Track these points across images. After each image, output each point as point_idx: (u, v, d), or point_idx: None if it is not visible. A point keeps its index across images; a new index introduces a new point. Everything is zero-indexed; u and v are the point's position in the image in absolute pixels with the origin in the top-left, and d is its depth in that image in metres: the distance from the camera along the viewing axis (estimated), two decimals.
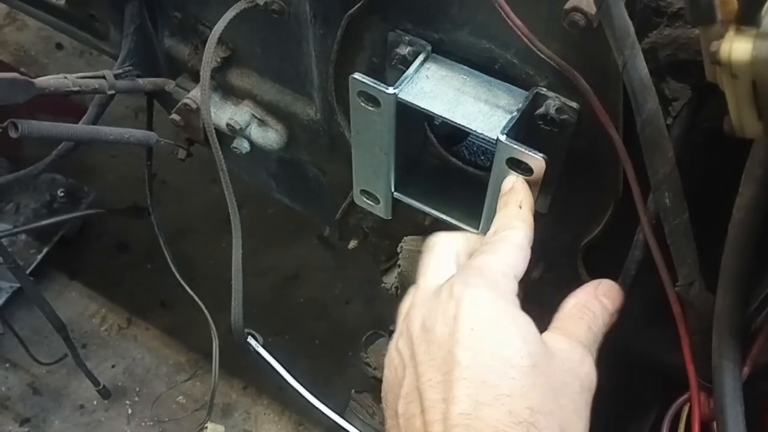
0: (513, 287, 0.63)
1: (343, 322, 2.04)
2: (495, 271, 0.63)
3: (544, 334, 0.63)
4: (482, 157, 0.91)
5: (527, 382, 0.55)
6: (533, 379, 0.55)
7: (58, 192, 2.07)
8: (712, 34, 0.49)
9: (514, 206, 0.70)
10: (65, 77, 0.93)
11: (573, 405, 0.58)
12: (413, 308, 0.63)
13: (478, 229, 0.83)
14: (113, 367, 2.02)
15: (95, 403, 1.97)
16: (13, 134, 0.89)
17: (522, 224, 0.68)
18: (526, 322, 0.59)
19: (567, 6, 0.65)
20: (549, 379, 0.57)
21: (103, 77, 0.98)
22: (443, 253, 0.68)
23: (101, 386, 1.77)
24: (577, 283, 0.87)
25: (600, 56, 0.67)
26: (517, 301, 0.62)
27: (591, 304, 0.68)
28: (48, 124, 0.93)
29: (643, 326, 0.87)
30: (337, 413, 0.98)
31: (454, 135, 0.90)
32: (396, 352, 0.61)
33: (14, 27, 2.60)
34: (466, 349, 0.56)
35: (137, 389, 1.99)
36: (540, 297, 0.96)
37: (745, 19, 0.47)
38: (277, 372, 1.05)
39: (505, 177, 0.74)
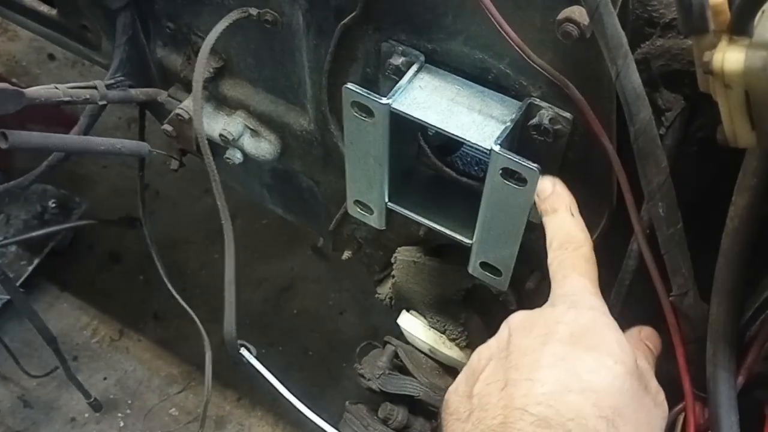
0: (603, 304, 0.65)
1: (337, 333, 2.04)
2: (588, 293, 0.65)
3: None
4: (475, 168, 0.91)
5: (617, 385, 0.57)
6: (622, 384, 0.57)
7: (50, 203, 2.06)
8: (704, 45, 0.50)
9: (567, 213, 0.72)
10: (56, 87, 0.92)
11: (648, 427, 0.59)
12: (514, 315, 0.66)
13: (471, 239, 0.83)
14: (105, 379, 2.00)
15: (86, 415, 1.95)
16: (2, 145, 0.89)
17: (585, 236, 0.70)
18: (622, 337, 0.61)
19: (560, 16, 0.65)
20: (635, 393, 0.58)
21: (95, 87, 0.98)
22: None
23: (92, 399, 1.76)
24: None
25: (593, 67, 0.67)
26: (612, 320, 0.63)
27: (641, 349, 0.69)
28: (38, 135, 0.92)
29: None
30: (330, 425, 0.97)
31: (447, 145, 0.90)
32: (486, 347, 0.64)
33: (6, 37, 2.59)
34: (561, 342, 0.58)
35: (129, 402, 1.97)
36: (536, 307, 0.97)
37: (738, 30, 0.47)
38: (271, 384, 1.04)
39: (498, 187, 0.74)
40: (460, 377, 0.64)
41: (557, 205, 0.72)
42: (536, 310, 0.64)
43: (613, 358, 0.58)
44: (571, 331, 0.59)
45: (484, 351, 0.64)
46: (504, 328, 0.65)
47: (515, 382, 0.57)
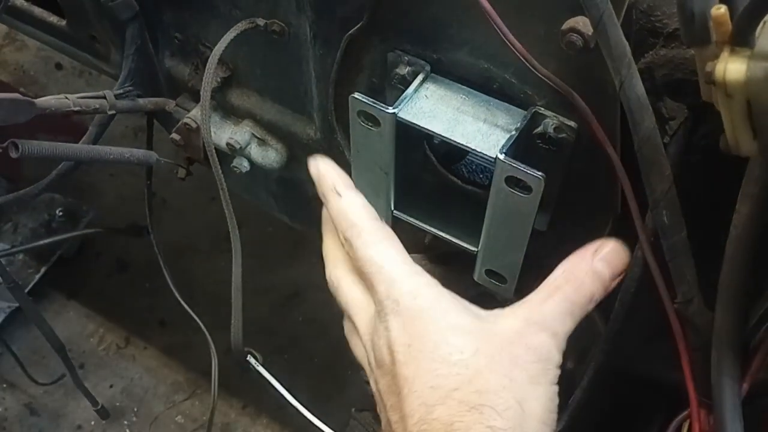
0: (422, 280, 0.64)
1: (343, 341, 2.02)
2: (401, 284, 0.63)
3: (501, 312, 0.64)
4: (480, 176, 0.91)
5: (471, 371, 0.57)
6: (476, 365, 0.57)
7: (57, 211, 2.08)
8: (707, 55, 0.50)
9: (333, 197, 0.72)
10: (66, 97, 0.93)
11: (527, 375, 0.59)
12: (363, 345, 0.67)
13: (477, 246, 0.84)
14: (111, 386, 2.01)
15: (93, 423, 1.96)
16: (13, 154, 0.90)
17: (360, 215, 0.70)
18: (456, 314, 0.61)
19: (564, 27, 0.66)
20: (494, 359, 0.58)
21: (104, 97, 0.99)
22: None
23: (99, 406, 1.77)
24: None
25: (597, 76, 0.68)
26: (439, 293, 0.63)
27: (580, 271, 0.67)
28: (48, 144, 0.93)
29: (642, 343, 0.87)
30: (336, 428, 0.98)
31: (452, 154, 0.90)
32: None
33: (14, 47, 2.61)
34: (405, 364, 0.58)
35: (135, 409, 1.98)
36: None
37: (740, 40, 0.48)
38: (277, 391, 1.05)
39: (503, 195, 0.75)
40: None
41: (323, 191, 0.70)
42: (374, 330, 0.65)
43: (457, 349, 0.58)
44: (409, 345, 0.59)
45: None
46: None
47: (396, 427, 0.59)
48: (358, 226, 0.67)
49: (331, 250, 0.72)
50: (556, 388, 0.62)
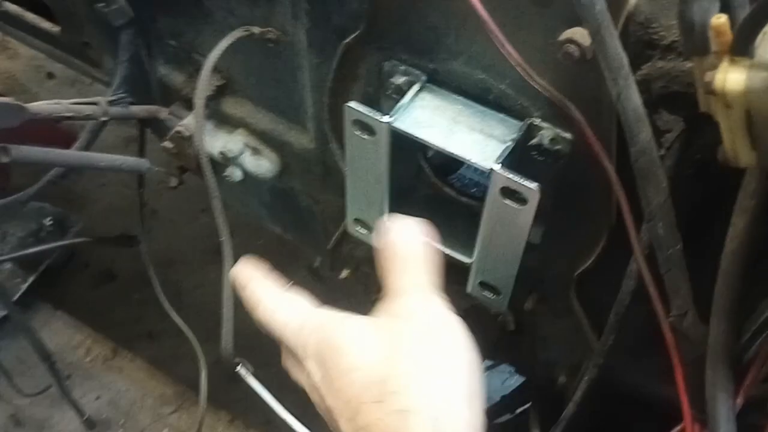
0: (315, 320, 0.64)
1: None
2: (298, 329, 0.64)
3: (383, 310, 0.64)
4: (473, 189, 0.91)
5: (367, 369, 0.57)
6: (370, 361, 0.57)
7: (46, 221, 2.06)
8: (706, 65, 0.50)
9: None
10: (58, 103, 0.93)
11: (420, 346, 0.58)
12: None
13: (471, 258, 0.83)
14: (98, 398, 1.98)
15: None
16: (4, 159, 0.89)
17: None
18: (343, 326, 0.61)
19: (561, 37, 0.65)
20: (386, 346, 0.58)
21: (97, 104, 0.98)
22: None
23: (86, 416, 1.74)
24: (569, 314, 0.87)
25: (593, 88, 0.68)
26: (328, 320, 0.63)
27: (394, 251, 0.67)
28: (40, 150, 0.92)
29: (633, 358, 0.87)
30: None
31: (447, 165, 0.90)
32: None
33: (5, 55, 2.60)
34: (327, 395, 0.59)
35: (122, 422, 1.95)
36: (533, 329, 0.97)
37: (739, 50, 0.48)
38: (265, 402, 1.04)
39: (498, 207, 0.74)
40: None
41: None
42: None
43: (360, 361, 0.58)
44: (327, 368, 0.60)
45: None
46: None
47: None
48: (258, 306, 0.68)
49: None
50: (458, 343, 0.60)
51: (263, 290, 0.69)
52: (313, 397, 0.63)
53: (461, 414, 0.55)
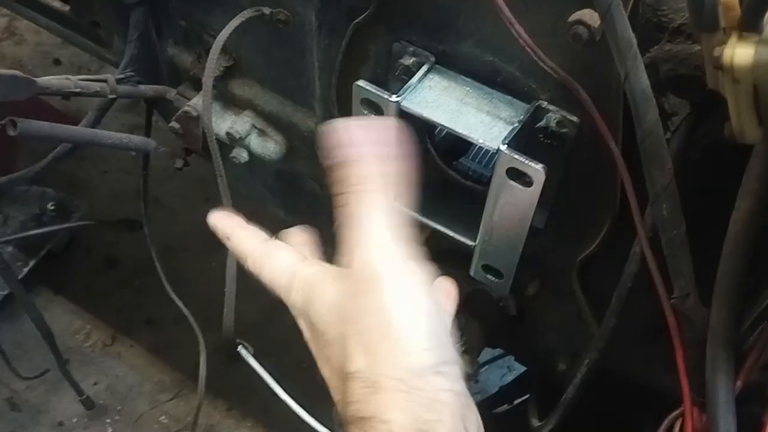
0: (298, 278, 0.62)
1: None
2: (286, 293, 0.62)
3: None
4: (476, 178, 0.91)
5: (332, 339, 0.56)
6: (334, 332, 0.56)
7: (48, 205, 2.06)
8: (715, 41, 0.51)
9: None
10: (67, 78, 0.94)
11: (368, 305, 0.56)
12: None
13: (474, 241, 0.84)
14: (95, 384, 1.98)
15: (75, 421, 1.93)
16: (11, 132, 0.89)
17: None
18: (321, 287, 0.59)
19: (571, 19, 0.66)
20: (347, 312, 0.56)
21: (105, 81, 0.98)
22: None
23: (84, 396, 1.74)
24: (571, 300, 0.88)
25: (601, 70, 0.68)
26: (309, 281, 0.61)
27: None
28: (47, 124, 0.93)
29: (635, 346, 0.87)
30: (325, 426, 0.97)
31: (453, 150, 0.91)
32: None
33: (12, 41, 2.61)
34: (318, 359, 0.59)
35: (119, 407, 1.96)
36: (534, 315, 0.97)
37: (748, 26, 0.48)
38: (265, 387, 1.04)
39: (504, 188, 0.75)
40: None
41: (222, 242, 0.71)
42: None
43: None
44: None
45: None
46: None
47: None
48: (247, 259, 0.67)
49: None
50: (410, 289, 0.55)
51: (247, 244, 0.67)
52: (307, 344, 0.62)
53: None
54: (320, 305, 0.58)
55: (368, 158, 0.58)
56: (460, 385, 0.54)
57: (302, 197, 1.13)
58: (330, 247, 1.12)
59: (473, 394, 0.58)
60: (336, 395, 0.56)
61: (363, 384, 0.52)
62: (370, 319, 0.54)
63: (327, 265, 0.63)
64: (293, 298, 0.61)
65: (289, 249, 0.66)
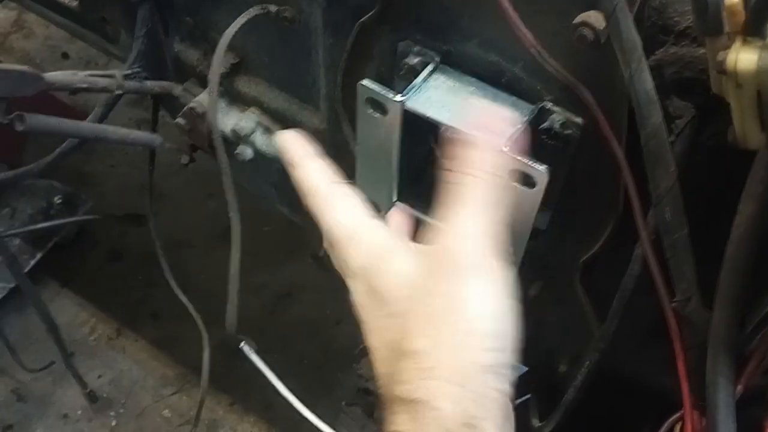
0: (366, 236, 0.61)
1: (333, 343, 2.04)
2: (346, 245, 0.61)
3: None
4: None
5: (401, 318, 0.54)
6: (406, 311, 0.55)
7: (56, 199, 2.07)
8: (719, 45, 0.51)
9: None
10: (74, 74, 0.94)
11: (454, 287, 0.55)
12: None
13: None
14: (100, 377, 2.00)
15: (79, 413, 1.95)
16: (19, 127, 0.90)
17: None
18: (393, 261, 0.58)
19: (576, 20, 0.66)
20: (424, 294, 0.55)
21: (112, 76, 0.99)
22: None
23: (89, 389, 1.75)
24: (573, 302, 0.88)
25: (606, 72, 0.68)
26: (380, 244, 0.60)
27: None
28: (54, 119, 0.93)
29: (636, 348, 0.87)
30: (325, 423, 0.97)
31: None
32: None
33: (21, 35, 2.62)
34: (366, 327, 0.57)
35: (123, 401, 1.97)
36: (537, 316, 0.97)
37: (752, 31, 0.48)
38: (267, 382, 1.05)
39: (508, 188, 0.75)
40: None
41: (285, 164, 0.68)
42: None
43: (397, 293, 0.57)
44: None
45: None
46: None
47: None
48: (310, 193, 0.65)
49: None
50: (493, 287, 0.55)
51: (314, 179, 0.65)
52: (355, 305, 0.60)
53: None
54: (391, 274, 0.56)
55: (496, 148, 0.58)
56: (510, 389, 0.54)
57: None
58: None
59: None
60: (381, 367, 0.55)
61: (418, 366, 0.51)
62: (444, 304, 0.53)
63: (401, 234, 0.61)
64: (351, 254, 0.59)
65: (359, 200, 0.63)
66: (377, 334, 0.56)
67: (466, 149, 0.58)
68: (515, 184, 0.74)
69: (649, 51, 0.66)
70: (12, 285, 1.92)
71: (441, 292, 0.54)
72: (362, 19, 0.82)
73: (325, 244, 0.64)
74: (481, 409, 0.50)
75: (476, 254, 0.55)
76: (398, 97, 0.76)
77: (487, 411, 0.51)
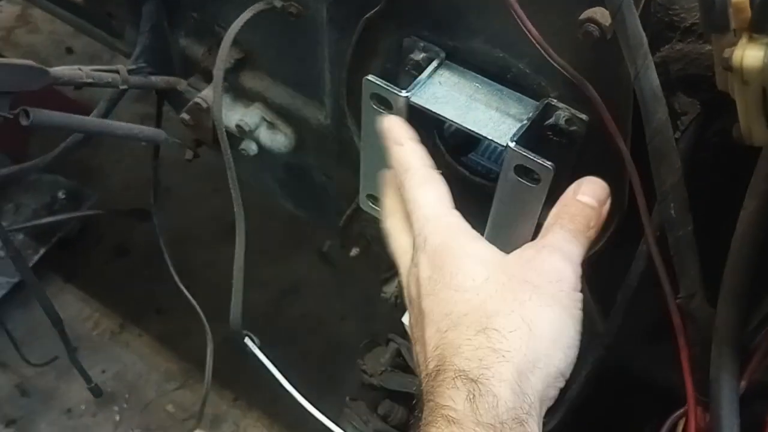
0: (451, 220, 0.68)
1: (338, 338, 2.04)
2: (431, 222, 0.67)
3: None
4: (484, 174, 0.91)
5: (482, 296, 0.60)
6: (487, 290, 0.61)
7: (60, 193, 2.07)
8: (725, 42, 0.51)
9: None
10: (80, 68, 0.94)
11: (538, 298, 0.61)
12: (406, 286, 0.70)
13: (483, 236, 0.84)
14: (103, 372, 2.00)
15: (83, 407, 1.95)
16: (24, 122, 0.90)
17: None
18: (474, 247, 0.66)
19: (582, 17, 0.66)
20: (504, 284, 0.61)
21: (117, 71, 0.99)
22: None
23: (93, 384, 1.76)
24: None
25: (612, 68, 0.68)
26: (462, 231, 0.67)
27: (568, 207, 0.70)
28: (59, 114, 0.94)
29: (642, 344, 0.88)
30: (329, 418, 0.97)
31: (461, 146, 0.91)
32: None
33: (26, 29, 2.62)
34: (426, 296, 0.62)
35: (126, 396, 1.98)
36: None
37: (758, 28, 0.48)
38: (271, 377, 1.05)
39: (512, 185, 0.75)
40: None
41: (388, 142, 0.75)
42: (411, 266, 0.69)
43: (471, 276, 0.62)
44: (429, 278, 0.64)
45: None
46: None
47: (420, 357, 0.64)
48: (410, 170, 0.71)
49: (389, 202, 0.76)
50: (574, 312, 0.63)
51: (418, 159, 0.71)
52: (409, 283, 0.66)
53: (547, 368, 0.59)
54: (467, 256, 0.63)
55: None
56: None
57: (311, 190, 1.14)
58: (335, 242, 1.13)
59: None
60: (430, 332, 0.60)
61: (491, 347, 0.57)
62: (530, 314, 0.59)
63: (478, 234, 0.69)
64: (431, 230, 0.66)
65: (447, 189, 0.71)
66: (438, 303, 0.61)
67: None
68: (521, 179, 0.74)
69: (654, 47, 0.66)
70: (16, 280, 1.92)
71: (534, 306, 0.61)
72: (368, 15, 0.82)
73: (390, 217, 0.72)
74: (530, 408, 0.56)
75: (570, 282, 0.64)
76: (403, 93, 0.76)
77: (529, 415, 0.56)
